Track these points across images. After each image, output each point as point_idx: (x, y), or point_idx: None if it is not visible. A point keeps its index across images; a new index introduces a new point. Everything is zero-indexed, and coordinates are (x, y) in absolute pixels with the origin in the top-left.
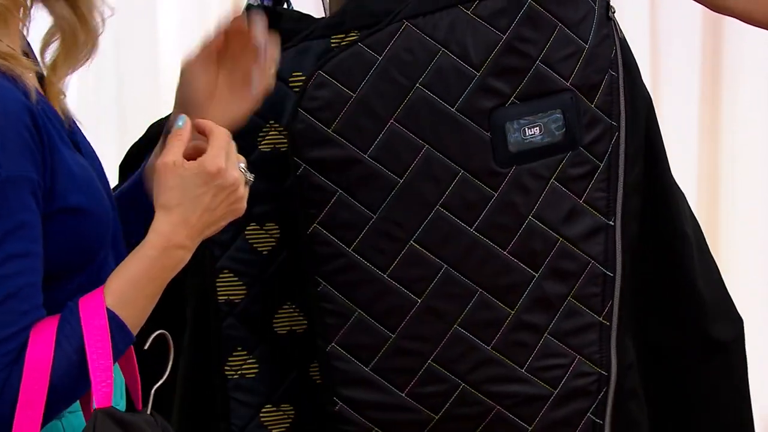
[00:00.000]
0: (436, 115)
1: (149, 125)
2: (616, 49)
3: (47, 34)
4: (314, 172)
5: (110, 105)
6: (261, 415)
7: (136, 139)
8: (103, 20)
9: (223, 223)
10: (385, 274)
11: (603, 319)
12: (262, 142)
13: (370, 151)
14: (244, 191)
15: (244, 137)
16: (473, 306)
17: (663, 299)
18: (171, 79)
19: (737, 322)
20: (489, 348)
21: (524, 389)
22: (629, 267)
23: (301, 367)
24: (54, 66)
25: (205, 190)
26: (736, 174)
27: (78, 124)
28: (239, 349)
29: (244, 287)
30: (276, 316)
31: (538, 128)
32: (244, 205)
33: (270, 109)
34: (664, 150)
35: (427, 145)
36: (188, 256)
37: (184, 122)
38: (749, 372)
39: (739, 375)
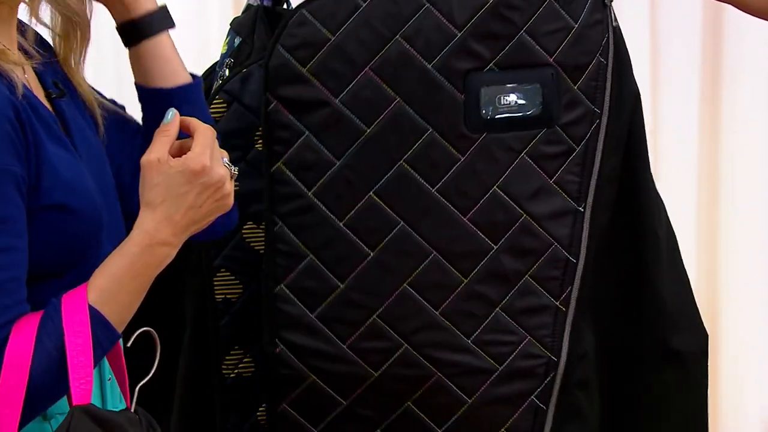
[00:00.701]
0: (412, 70)
1: None
2: (608, 37)
3: (62, 28)
4: (284, 110)
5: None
6: (258, 413)
7: None
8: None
9: (211, 219)
10: (341, 221)
11: (560, 304)
12: (259, 141)
13: (341, 96)
14: (230, 187)
15: (241, 136)
16: (425, 267)
17: (624, 297)
18: None
19: (701, 337)
20: (437, 312)
21: (467, 360)
22: (594, 257)
23: None
24: (72, 54)
25: (189, 188)
26: (736, 174)
27: (98, 117)
28: (236, 348)
29: (240, 286)
30: None
31: (514, 98)
32: (231, 200)
33: None
34: (646, 147)
35: (399, 99)
36: (173, 253)
37: (171, 117)
38: (749, 372)
39: (697, 390)
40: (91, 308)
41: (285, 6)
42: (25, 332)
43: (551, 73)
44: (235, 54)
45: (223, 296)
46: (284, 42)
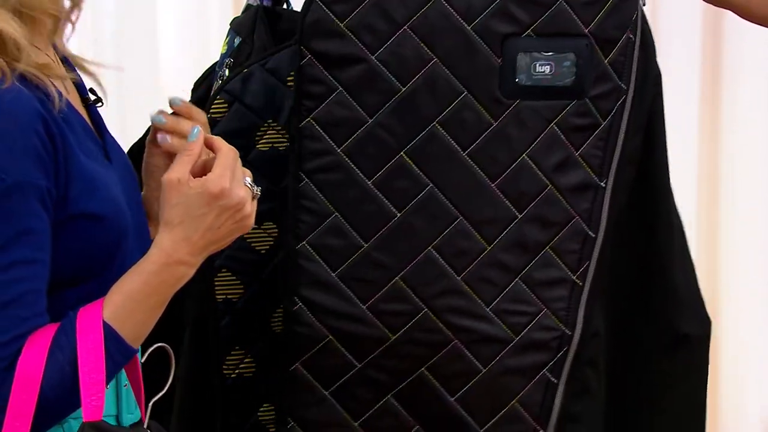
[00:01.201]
0: (451, 30)
1: (149, 126)
2: (638, 13)
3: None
4: (318, 64)
5: (110, 105)
6: (259, 413)
7: (137, 139)
8: None
9: (230, 239)
10: (369, 180)
11: (577, 278)
12: (260, 141)
13: (378, 53)
14: (251, 208)
15: (243, 136)
16: (450, 232)
17: (636, 281)
18: (171, 78)
19: (706, 323)
20: (459, 278)
21: (485, 328)
22: (611, 236)
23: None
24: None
25: (208, 210)
26: (736, 174)
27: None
28: (237, 348)
29: (241, 286)
30: (273, 315)
31: (549, 67)
32: (251, 221)
33: (268, 108)
34: (665, 134)
35: (435, 58)
36: (191, 272)
37: (196, 136)
38: (749, 372)
39: (701, 372)
40: (105, 324)
41: (285, 6)
42: (38, 345)
43: (586, 44)
44: (235, 54)
45: (224, 296)
46: None
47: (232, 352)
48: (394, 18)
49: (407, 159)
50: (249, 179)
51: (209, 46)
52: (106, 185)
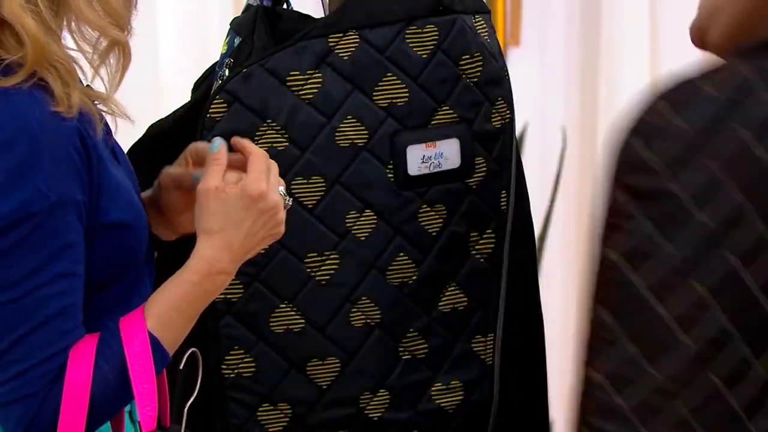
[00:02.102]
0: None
1: (149, 125)
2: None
3: (104, 52)
4: None
5: None
6: (258, 413)
7: (137, 140)
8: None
9: (261, 246)
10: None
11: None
12: (260, 142)
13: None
14: (282, 216)
15: (242, 136)
16: None
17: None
18: (171, 79)
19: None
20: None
21: None
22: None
23: (298, 366)
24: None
25: (247, 214)
26: None
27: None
28: (236, 347)
29: (241, 286)
30: (272, 315)
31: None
32: (282, 229)
33: (267, 108)
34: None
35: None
36: (228, 281)
37: (219, 146)
38: None
39: None
40: (150, 335)
41: (285, 6)
42: (83, 357)
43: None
44: (235, 54)
45: (223, 296)
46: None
47: (232, 352)
48: None
49: None
50: (282, 188)
51: (209, 46)
52: (127, 190)
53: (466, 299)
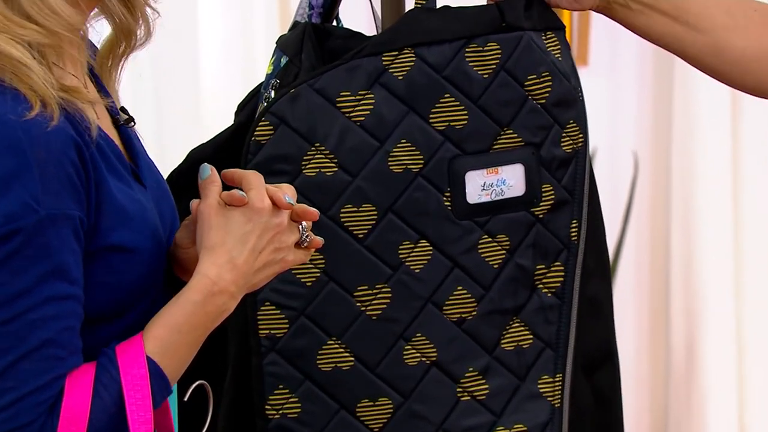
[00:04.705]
0: None
1: (189, 151)
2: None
3: (109, 41)
4: None
5: (148, 131)
6: None
7: (176, 166)
8: (153, 9)
9: (269, 272)
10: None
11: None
12: (307, 167)
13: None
14: (290, 241)
15: (289, 161)
16: None
17: None
18: (213, 101)
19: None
20: None
21: None
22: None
23: (347, 407)
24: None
25: (251, 228)
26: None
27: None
28: (281, 387)
29: (286, 321)
30: (320, 352)
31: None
32: (293, 257)
33: (315, 130)
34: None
35: None
36: (232, 305)
37: (210, 170)
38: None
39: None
40: (149, 360)
41: (335, 23)
42: (81, 386)
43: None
44: (281, 74)
45: (267, 332)
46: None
47: (276, 392)
48: None
49: None
50: (305, 224)
51: (254, 67)
52: (140, 214)
53: (531, 336)
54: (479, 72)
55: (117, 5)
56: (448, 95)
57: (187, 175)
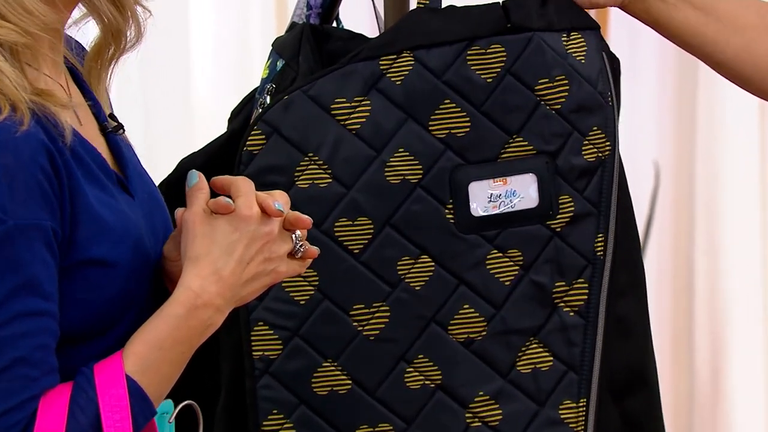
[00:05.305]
0: None
1: (179, 161)
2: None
3: (97, 43)
4: None
5: (135, 138)
6: None
7: (165, 176)
8: (144, 8)
9: (260, 285)
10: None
11: None
12: (300, 179)
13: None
14: (281, 251)
15: (282, 173)
16: None
17: None
18: (205, 107)
19: None
20: None
21: None
22: None
23: None
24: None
25: (238, 237)
26: None
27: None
28: (275, 411)
29: (280, 342)
30: (315, 374)
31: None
32: (285, 268)
33: (308, 140)
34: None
35: None
36: (219, 320)
37: (198, 177)
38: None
39: None
40: (128, 379)
41: (335, 24)
42: (55, 408)
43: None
44: (277, 79)
45: (261, 353)
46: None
47: (270, 417)
48: None
49: None
50: (298, 233)
51: (249, 70)
52: (122, 225)
53: (551, 358)
54: (482, 76)
55: (105, 3)
56: (448, 101)
57: (176, 185)
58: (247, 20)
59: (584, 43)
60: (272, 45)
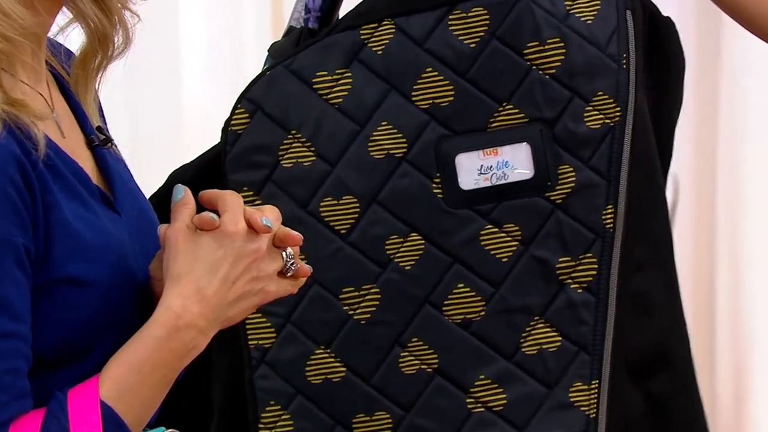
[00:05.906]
0: None
1: (169, 174)
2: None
3: (83, 50)
4: None
5: (122, 150)
6: None
7: (156, 189)
8: (133, 13)
9: (247, 305)
10: None
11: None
12: (284, 158)
13: None
14: (270, 270)
15: (267, 152)
16: None
17: None
18: (196, 117)
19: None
20: None
21: None
22: None
23: (342, 422)
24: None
25: (222, 254)
26: None
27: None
28: (272, 402)
29: (273, 329)
30: (308, 362)
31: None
32: (272, 289)
33: (289, 116)
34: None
35: None
36: (202, 342)
37: (183, 192)
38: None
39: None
40: (102, 405)
41: None
42: None
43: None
44: None
45: (255, 342)
46: None
47: (268, 408)
48: None
49: None
50: (290, 250)
51: (243, 77)
52: (102, 243)
53: (559, 338)
54: (465, 41)
55: (90, 7)
56: (430, 69)
57: (166, 200)
58: (240, 24)
59: (598, 3)
60: (268, 50)
